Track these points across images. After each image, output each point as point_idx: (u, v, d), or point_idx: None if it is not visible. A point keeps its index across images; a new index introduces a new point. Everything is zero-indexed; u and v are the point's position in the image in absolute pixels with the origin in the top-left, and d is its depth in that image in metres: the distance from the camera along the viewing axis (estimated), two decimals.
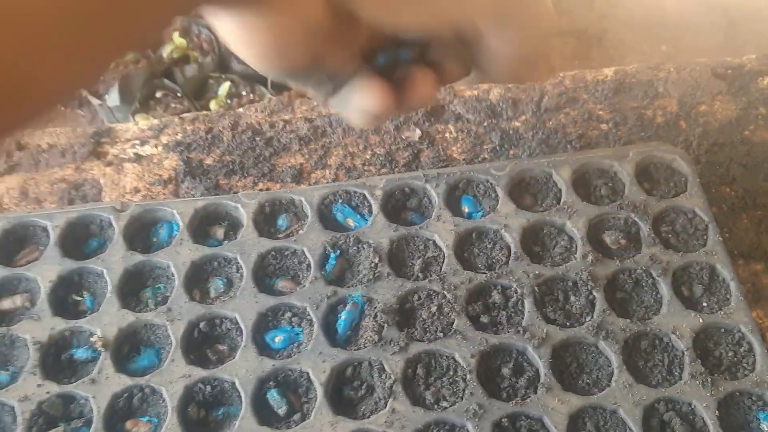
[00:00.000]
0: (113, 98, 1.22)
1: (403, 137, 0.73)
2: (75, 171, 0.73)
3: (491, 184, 0.62)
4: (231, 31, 0.36)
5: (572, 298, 0.56)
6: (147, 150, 0.74)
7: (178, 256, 0.59)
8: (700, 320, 0.54)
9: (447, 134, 0.74)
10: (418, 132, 0.73)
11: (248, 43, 0.37)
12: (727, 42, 0.80)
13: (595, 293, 0.56)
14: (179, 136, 0.75)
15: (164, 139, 0.75)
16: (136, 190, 0.70)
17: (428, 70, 0.44)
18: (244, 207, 0.61)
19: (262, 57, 0.37)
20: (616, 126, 0.73)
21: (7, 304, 0.58)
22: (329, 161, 0.72)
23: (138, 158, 0.73)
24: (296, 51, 0.37)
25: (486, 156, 0.71)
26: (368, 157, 0.71)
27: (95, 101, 1.23)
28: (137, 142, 0.75)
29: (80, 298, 0.59)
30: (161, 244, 0.61)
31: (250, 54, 0.37)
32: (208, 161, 0.72)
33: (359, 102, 0.44)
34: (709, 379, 0.52)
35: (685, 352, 0.53)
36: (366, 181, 0.63)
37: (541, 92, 0.76)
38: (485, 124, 0.74)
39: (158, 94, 1.23)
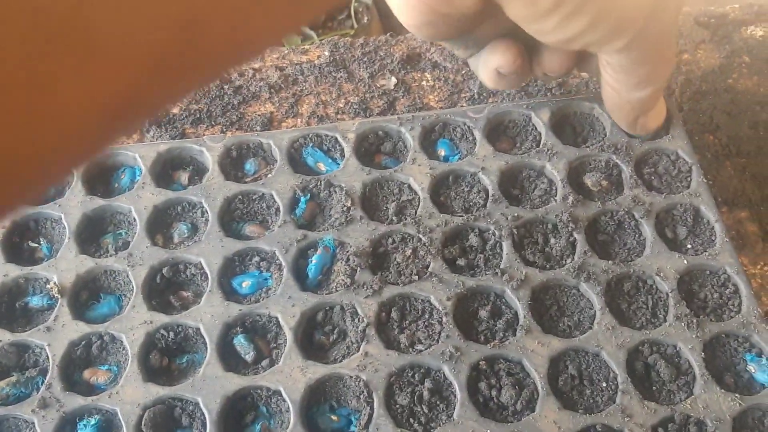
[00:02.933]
0: None
1: (378, 85, 0.70)
2: None
3: (468, 127, 0.59)
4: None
5: (552, 241, 0.54)
6: None
7: (140, 200, 0.56)
8: (685, 262, 0.53)
9: (423, 82, 0.71)
10: (393, 80, 0.70)
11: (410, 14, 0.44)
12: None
13: (575, 235, 0.54)
14: None
15: None
16: None
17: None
18: (209, 151, 0.58)
19: (423, 26, 0.45)
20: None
21: None
22: (300, 110, 0.69)
23: None
24: (446, 28, 0.46)
25: (463, 105, 0.68)
26: (341, 105, 0.69)
27: None
28: None
29: (36, 245, 0.55)
30: (123, 190, 0.58)
31: (402, 17, 0.44)
32: (174, 110, 0.69)
33: (493, 62, 0.51)
34: (695, 321, 0.50)
35: (670, 294, 0.51)
36: (338, 125, 0.60)
37: None
38: (463, 72, 0.71)
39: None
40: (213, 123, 0.68)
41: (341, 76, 0.71)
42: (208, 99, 0.69)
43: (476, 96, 0.66)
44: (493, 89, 0.60)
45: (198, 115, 0.68)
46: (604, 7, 0.41)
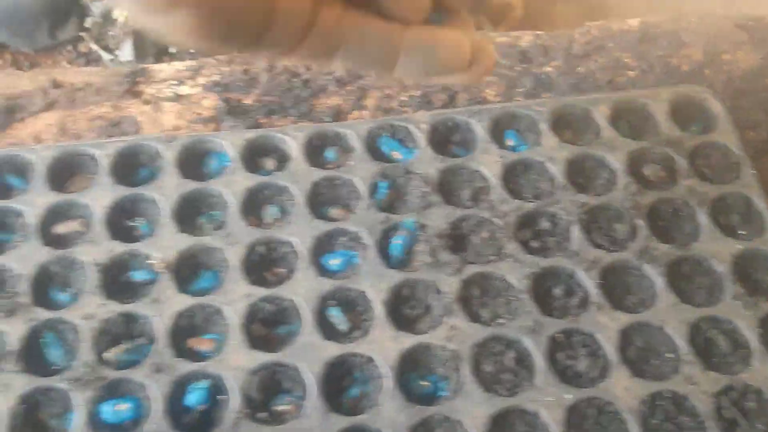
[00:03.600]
0: (126, 53, 1.21)
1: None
2: (112, 109, 0.73)
3: (533, 119, 0.64)
4: None
5: (616, 226, 0.58)
6: (184, 90, 0.75)
7: (232, 184, 0.60)
8: (739, 246, 0.57)
9: None
10: None
11: None
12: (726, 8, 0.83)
13: (637, 221, 0.58)
14: (216, 77, 0.75)
15: (201, 80, 0.75)
16: (177, 128, 0.71)
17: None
18: (293, 139, 0.63)
19: None
20: (643, 73, 0.75)
21: (62, 228, 0.59)
22: (366, 102, 0.73)
23: (177, 97, 0.74)
24: None
25: (519, 99, 0.73)
26: (405, 99, 0.73)
27: (106, 56, 1.23)
28: (174, 82, 0.75)
29: (135, 224, 0.59)
30: (212, 175, 0.62)
31: None
32: (248, 101, 0.73)
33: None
34: (750, 300, 0.55)
35: (726, 276, 0.56)
36: (410, 116, 0.64)
37: (570, 40, 0.78)
38: (517, 68, 0.76)
39: (173, 49, 1.23)
40: (285, 114, 0.72)
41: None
42: (279, 91, 0.73)
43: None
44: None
45: (271, 107, 0.72)
46: None
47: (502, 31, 0.78)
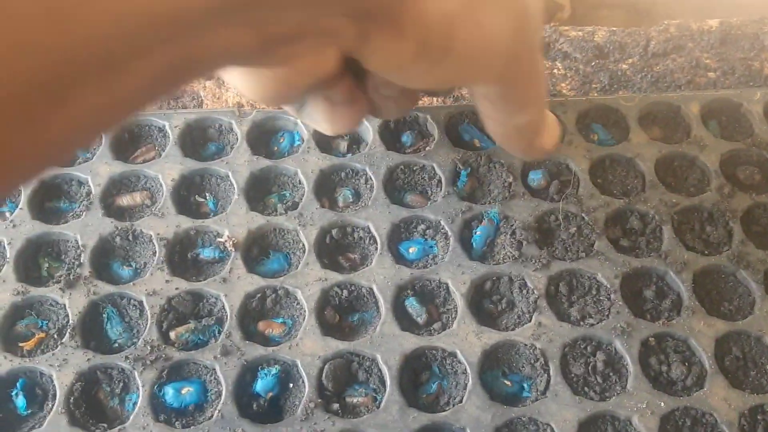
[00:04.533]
0: None
1: None
2: None
3: (621, 113, 0.61)
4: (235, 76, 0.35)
5: (708, 228, 0.55)
6: None
7: (306, 164, 0.57)
8: None
9: (555, 71, 0.72)
10: None
11: (251, 89, 0.35)
12: None
13: (732, 224, 0.55)
14: None
15: None
16: (240, 105, 0.68)
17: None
18: (369, 121, 0.60)
19: (262, 99, 0.36)
20: (724, 75, 0.72)
21: (126, 200, 0.56)
22: None
23: None
24: (296, 96, 0.37)
25: (595, 95, 0.70)
26: None
27: None
28: None
29: (203, 200, 0.57)
30: (282, 153, 0.59)
31: (250, 94, 0.36)
32: None
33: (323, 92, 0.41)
34: None
35: None
36: None
37: (647, 38, 0.75)
38: (593, 63, 0.73)
39: None
40: None
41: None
42: None
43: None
44: (334, 133, 0.47)
45: None
46: (468, 49, 0.36)
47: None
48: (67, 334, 0.50)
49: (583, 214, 0.55)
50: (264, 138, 0.60)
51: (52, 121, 0.21)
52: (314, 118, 0.43)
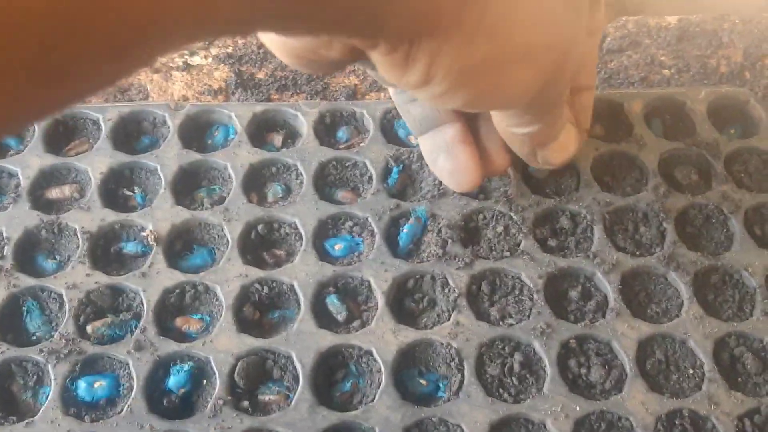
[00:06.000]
0: None
1: None
2: None
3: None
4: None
5: (642, 229, 0.54)
6: (196, 60, 0.72)
7: (236, 158, 0.57)
8: None
9: None
10: None
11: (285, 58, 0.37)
12: None
13: (665, 225, 0.54)
14: (230, 49, 0.72)
15: (214, 50, 0.72)
16: (185, 99, 0.68)
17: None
18: (304, 115, 0.59)
19: (301, 67, 0.38)
20: (679, 72, 0.71)
21: (56, 193, 0.56)
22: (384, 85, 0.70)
23: (187, 67, 0.71)
24: (325, 66, 0.38)
25: None
26: None
27: None
28: (186, 51, 0.72)
29: (131, 194, 0.56)
30: (216, 147, 0.59)
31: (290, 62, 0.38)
32: (260, 75, 0.70)
33: (448, 168, 0.50)
34: None
35: (758, 290, 0.52)
36: None
37: (604, 34, 0.74)
38: None
39: None
40: (298, 91, 0.69)
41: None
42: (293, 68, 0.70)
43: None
44: (459, 188, 0.53)
45: (284, 82, 0.69)
46: (489, 85, 0.36)
47: None
48: None
49: (511, 213, 0.54)
50: (198, 132, 0.60)
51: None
52: (442, 173, 0.50)
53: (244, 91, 0.68)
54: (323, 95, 0.68)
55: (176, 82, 0.70)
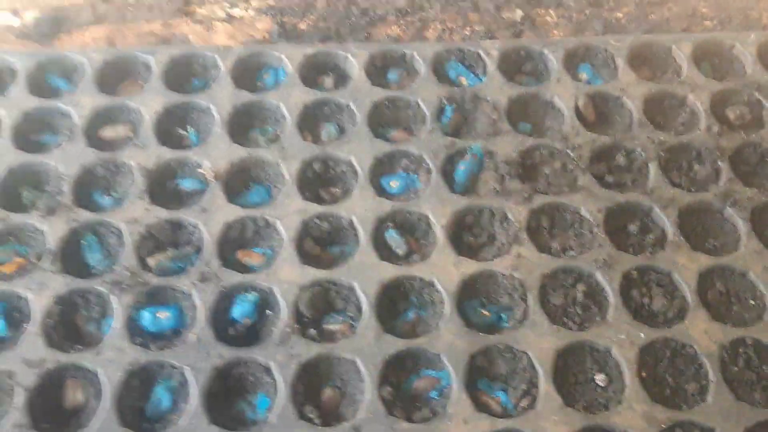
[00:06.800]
0: None
1: (503, 17, 0.71)
2: (163, 27, 0.70)
3: (610, 54, 0.60)
4: None
5: (696, 167, 0.54)
6: (237, 12, 0.72)
7: (289, 98, 0.57)
8: None
9: (548, 18, 0.71)
10: (519, 12, 0.71)
11: None
12: None
13: (720, 163, 0.54)
14: (271, 1, 0.72)
15: (255, 2, 0.72)
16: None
17: None
18: (354, 57, 0.59)
19: None
20: (720, 24, 0.71)
21: (109, 132, 0.56)
22: (426, 34, 0.70)
23: (229, 18, 0.71)
24: None
25: None
26: (467, 33, 0.69)
27: None
28: (227, 4, 0.72)
29: (185, 133, 0.56)
30: (266, 89, 0.59)
31: None
32: (302, 26, 0.70)
33: None
34: None
35: None
36: (481, 42, 0.61)
37: None
38: (587, 12, 0.72)
39: None
40: (341, 41, 0.68)
41: (467, 6, 0.72)
42: (336, 18, 0.70)
43: None
44: None
45: (326, 33, 0.69)
46: None
47: None
48: (46, 259, 0.49)
49: (568, 151, 0.54)
50: (248, 74, 0.60)
51: None
52: None
53: (287, 41, 0.68)
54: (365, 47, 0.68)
55: (218, 32, 0.70)
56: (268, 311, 0.49)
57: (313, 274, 0.49)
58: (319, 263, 0.51)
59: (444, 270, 0.49)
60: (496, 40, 0.63)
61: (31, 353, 0.46)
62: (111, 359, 0.46)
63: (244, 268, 0.51)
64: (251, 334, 0.48)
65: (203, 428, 0.44)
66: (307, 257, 0.51)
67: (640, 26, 0.71)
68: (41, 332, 0.47)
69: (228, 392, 0.46)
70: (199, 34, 0.70)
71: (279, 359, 0.46)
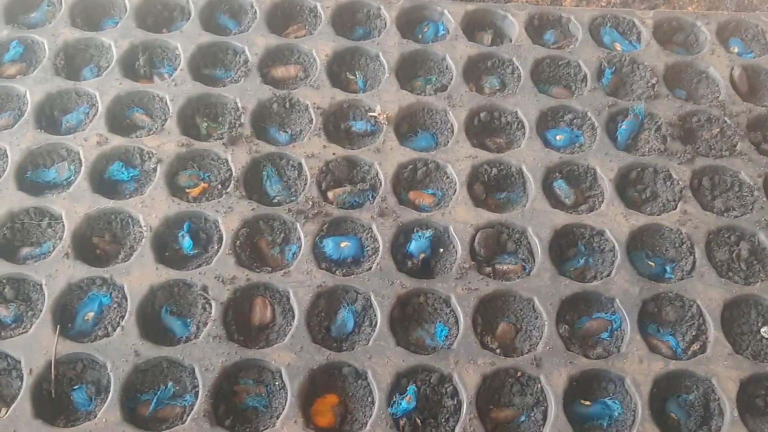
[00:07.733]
0: None
1: None
2: None
3: (760, 29, 0.62)
4: None
5: None
6: None
7: (454, 50, 0.59)
8: None
9: None
10: None
11: None
12: None
13: None
14: None
15: None
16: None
17: None
18: (514, 17, 0.61)
19: None
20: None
21: (281, 72, 0.58)
22: (565, 3, 0.71)
23: None
24: None
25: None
26: (603, 4, 0.71)
27: None
28: None
29: (353, 77, 0.59)
30: (426, 41, 0.61)
31: None
32: None
33: None
34: None
35: None
36: (635, 11, 0.63)
37: None
38: None
39: None
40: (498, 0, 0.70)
41: None
42: None
43: None
44: None
45: None
46: None
47: None
48: (232, 185, 0.52)
49: (725, 118, 0.56)
50: (409, 26, 0.62)
51: None
52: None
53: None
54: None
55: None
56: (441, 249, 0.51)
57: (487, 216, 0.51)
58: (486, 208, 0.53)
59: (614, 221, 0.51)
60: (650, 10, 0.64)
61: (223, 270, 0.48)
62: (300, 281, 0.48)
63: (416, 208, 0.53)
64: (425, 268, 0.51)
65: (391, 349, 0.46)
66: (474, 200, 0.53)
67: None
68: (232, 252, 0.49)
69: (406, 319, 0.48)
70: None
71: (459, 292, 0.48)
